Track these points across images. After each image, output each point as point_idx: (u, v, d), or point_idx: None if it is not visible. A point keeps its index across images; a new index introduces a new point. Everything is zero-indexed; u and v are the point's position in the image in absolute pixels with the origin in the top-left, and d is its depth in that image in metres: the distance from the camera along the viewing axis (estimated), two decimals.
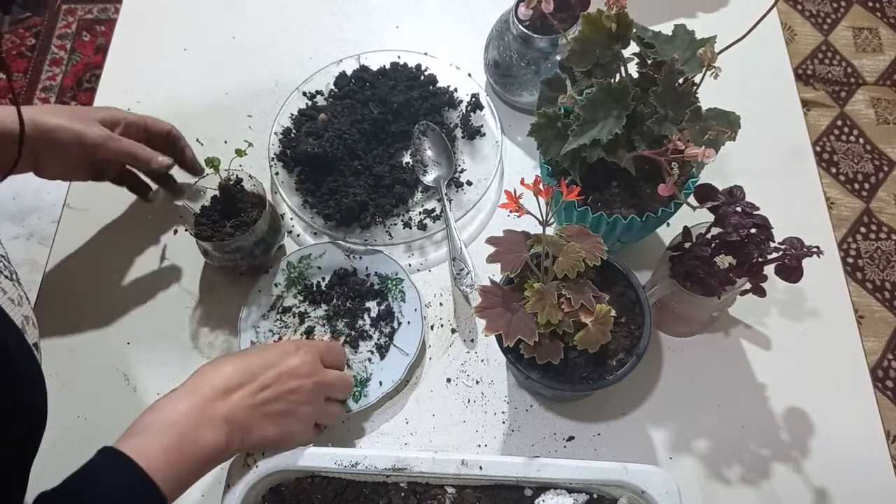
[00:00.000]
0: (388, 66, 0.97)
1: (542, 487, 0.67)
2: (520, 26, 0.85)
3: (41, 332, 0.83)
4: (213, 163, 0.78)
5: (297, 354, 0.66)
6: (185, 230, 0.78)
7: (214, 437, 0.58)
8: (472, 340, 0.82)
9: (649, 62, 0.72)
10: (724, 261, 0.64)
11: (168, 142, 0.85)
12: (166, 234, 0.89)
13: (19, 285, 0.61)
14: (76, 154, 0.76)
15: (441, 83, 0.96)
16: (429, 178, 0.89)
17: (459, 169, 0.92)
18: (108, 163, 0.81)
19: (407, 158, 0.92)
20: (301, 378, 0.65)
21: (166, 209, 0.89)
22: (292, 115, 0.93)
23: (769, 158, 0.92)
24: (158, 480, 0.54)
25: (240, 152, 0.78)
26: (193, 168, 0.86)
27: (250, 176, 0.81)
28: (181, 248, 0.88)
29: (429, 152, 0.90)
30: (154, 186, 0.87)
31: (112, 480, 0.53)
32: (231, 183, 0.80)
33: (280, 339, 0.81)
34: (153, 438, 0.56)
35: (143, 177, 0.87)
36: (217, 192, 0.81)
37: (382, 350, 0.81)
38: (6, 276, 0.58)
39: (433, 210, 0.88)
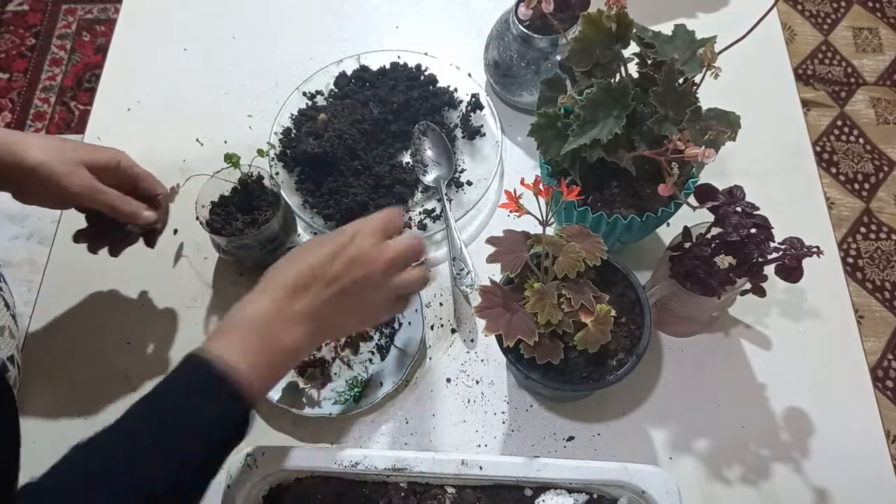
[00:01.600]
0: (388, 66, 0.97)
1: (542, 487, 0.67)
2: (520, 26, 0.85)
3: (41, 331, 0.83)
4: (231, 159, 0.79)
5: (358, 240, 0.63)
6: (197, 219, 0.78)
7: (294, 335, 0.59)
8: (472, 340, 0.82)
9: (649, 62, 0.72)
10: (724, 261, 0.64)
11: (151, 205, 0.77)
12: (166, 234, 0.89)
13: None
14: (54, 196, 0.72)
15: (441, 83, 0.96)
16: (429, 178, 0.89)
17: (459, 169, 0.92)
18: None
19: (407, 158, 0.92)
20: (367, 265, 0.63)
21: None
22: (292, 115, 0.93)
23: (769, 158, 0.92)
24: (245, 382, 0.55)
25: (261, 152, 0.82)
26: (153, 241, 0.80)
27: (271, 176, 0.82)
28: (181, 249, 0.88)
29: (429, 152, 0.90)
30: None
31: (200, 390, 0.55)
32: (252, 179, 0.81)
33: None
34: (239, 340, 0.57)
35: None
36: (237, 185, 0.82)
37: (383, 351, 0.81)
38: None
39: (433, 210, 0.88)
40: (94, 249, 0.78)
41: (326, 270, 0.61)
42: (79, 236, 0.78)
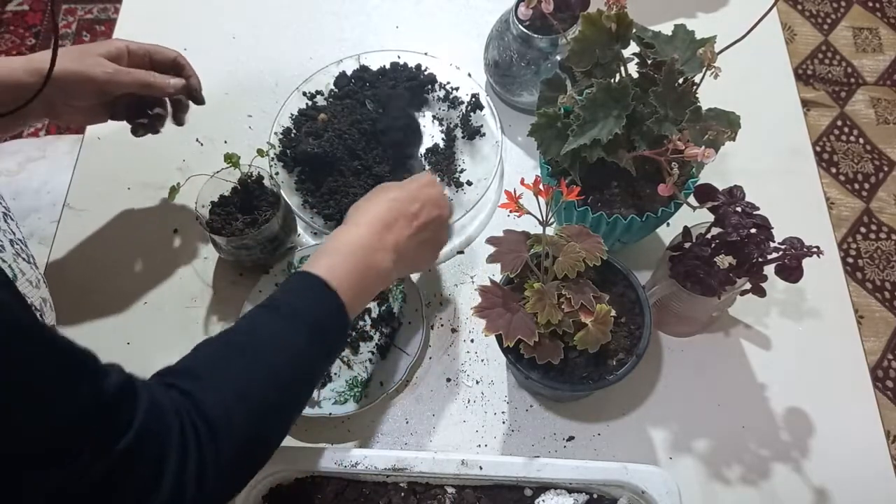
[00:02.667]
0: (388, 66, 0.97)
1: (542, 487, 0.67)
2: (520, 26, 0.85)
3: None
4: (231, 159, 0.79)
5: (430, 186, 0.72)
6: (197, 219, 0.79)
7: (386, 263, 0.66)
8: (472, 340, 0.82)
9: (649, 62, 0.72)
10: (724, 261, 0.64)
11: (174, 69, 0.82)
12: (166, 234, 0.89)
13: (36, 268, 0.61)
14: (88, 95, 0.75)
15: (441, 83, 0.96)
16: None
17: (459, 169, 0.92)
18: (121, 98, 0.78)
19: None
20: (438, 207, 0.72)
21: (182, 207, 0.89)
22: (292, 115, 0.93)
23: (769, 158, 0.92)
24: (345, 298, 0.61)
25: (261, 152, 0.81)
26: (198, 97, 0.83)
27: (271, 176, 0.82)
28: (181, 249, 0.88)
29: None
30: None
31: (310, 292, 0.61)
32: (252, 179, 0.81)
33: None
34: (340, 261, 0.63)
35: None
36: (237, 185, 0.83)
37: (383, 350, 0.80)
38: (24, 259, 0.58)
39: None
40: (155, 128, 0.81)
41: (409, 209, 0.69)
42: (138, 128, 0.79)
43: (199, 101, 0.83)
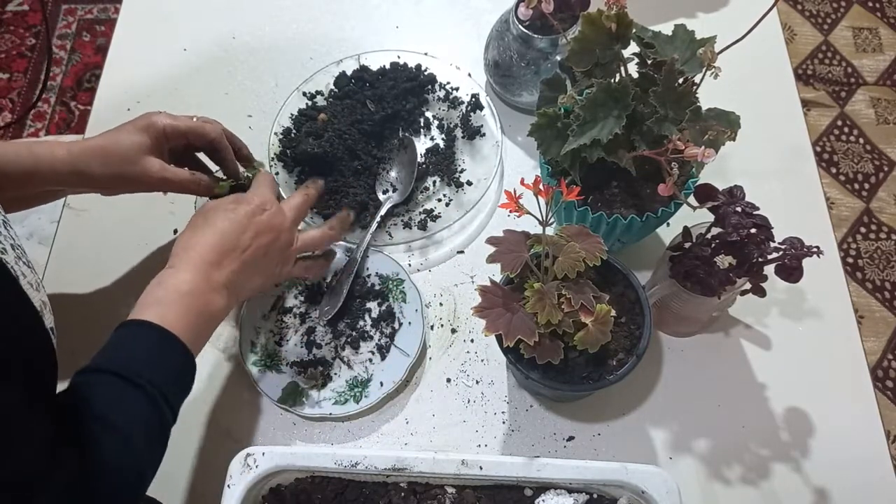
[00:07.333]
0: (388, 66, 0.97)
1: (542, 487, 0.67)
2: (520, 26, 0.85)
3: None
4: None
5: (260, 211, 0.70)
6: None
7: (218, 303, 0.65)
8: (472, 340, 0.82)
9: (649, 62, 0.72)
10: (724, 261, 0.64)
11: (212, 149, 0.78)
12: (166, 234, 0.89)
13: (35, 272, 0.61)
14: (131, 190, 0.75)
15: (441, 83, 0.96)
16: (381, 195, 0.89)
17: (459, 169, 0.92)
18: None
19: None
20: (272, 232, 0.70)
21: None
22: (292, 115, 0.93)
23: (769, 158, 0.92)
24: (184, 341, 0.60)
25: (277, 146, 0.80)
26: (249, 160, 0.82)
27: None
28: None
29: (393, 172, 0.90)
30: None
31: (145, 342, 0.60)
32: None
33: (276, 299, 0.83)
34: (170, 308, 0.61)
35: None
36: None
37: (383, 350, 0.81)
38: (24, 263, 0.58)
39: (433, 210, 0.88)
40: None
41: (237, 242, 0.67)
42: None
43: (251, 162, 0.82)
